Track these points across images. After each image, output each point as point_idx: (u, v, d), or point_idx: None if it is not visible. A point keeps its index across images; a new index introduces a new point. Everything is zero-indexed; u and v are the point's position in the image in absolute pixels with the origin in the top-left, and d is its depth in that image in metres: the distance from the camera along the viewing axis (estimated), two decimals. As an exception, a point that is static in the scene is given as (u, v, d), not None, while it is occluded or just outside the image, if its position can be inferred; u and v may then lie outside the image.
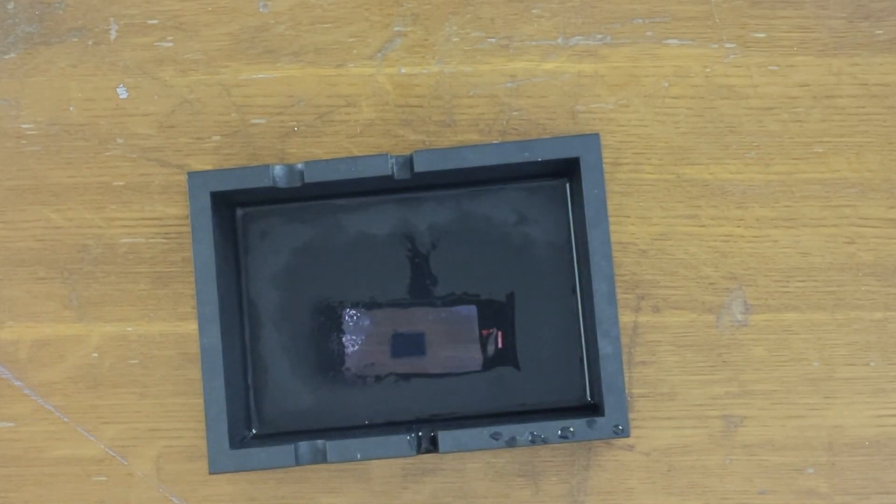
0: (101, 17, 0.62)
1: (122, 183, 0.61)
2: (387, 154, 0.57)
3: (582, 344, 0.59)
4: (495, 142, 0.60)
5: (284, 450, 0.55)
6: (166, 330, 0.60)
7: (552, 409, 0.59)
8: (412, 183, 0.58)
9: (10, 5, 0.62)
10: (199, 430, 0.60)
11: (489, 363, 0.60)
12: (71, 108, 0.61)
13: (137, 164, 0.61)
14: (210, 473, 0.55)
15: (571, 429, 0.56)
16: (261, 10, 0.62)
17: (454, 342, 0.60)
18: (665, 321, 0.60)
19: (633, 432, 0.60)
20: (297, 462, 0.55)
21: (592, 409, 0.59)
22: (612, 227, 0.60)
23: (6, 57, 0.62)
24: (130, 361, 0.60)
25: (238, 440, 0.57)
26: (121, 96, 0.61)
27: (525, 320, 0.60)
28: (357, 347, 0.60)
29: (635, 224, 0.60)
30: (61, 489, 0.60)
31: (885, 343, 0.60)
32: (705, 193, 0.61)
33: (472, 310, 0.60)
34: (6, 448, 0.60)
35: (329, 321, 0.60)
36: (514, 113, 0.61)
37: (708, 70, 0.61)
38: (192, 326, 0.60)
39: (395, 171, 0.57)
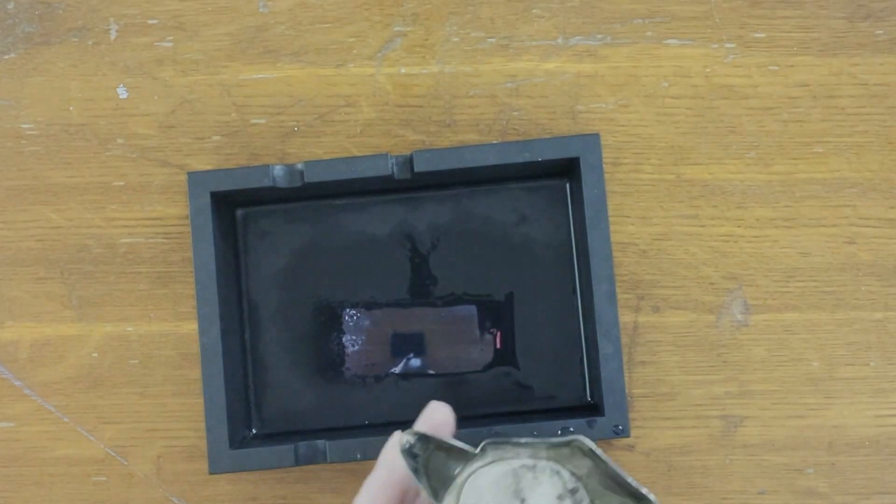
0: (101, 17, 0.62)
1: (122, 183, 0.61)
2: (387, 154, 0.57)
3: (582, 344, 0.59)
4: (495, 142, 0.60)
5: (284, 450, 0.55)
6: (166, 330, 0.60)
7: (552, 409, 0.59)
8: (412, 183, 0.58)
9: (10, 5, 0.62)
10: (199, 430, 0.60)
11: (489, 363, 0.60)
12: (71, 108, 0.61)
13: (137, 164, 0.61)
14: (210, 473, 0.55)
15: (571, 429, 0.56)
16: (261, 10, 0.62)
17: (454, 342, 0.60)
18: (665, 321, 0.60)
19: (633, 432, 0.60)
20: (297, 462, 0.55)
21: (592, 409, 0.59)
22: (612, 227, 0.60)
23: (6, 57, 0.62)
24: (130, 361, 0.60)
25: (238, 440, 0.57)
26: (121, 96, 0.61)
27: (525, 320, 0.60)
28: (357, 347, 0.60)
29: (635, 224, 0.60)
30: (61, 489, 0.60)
31: (885, 343, 0.60)
32: (705, 193, 0.61)
33: (472, 310, 0.60)
34: (6, 448, 0.60)
35: (329, 321, 0.60)
36: (514, 113, 0.61)
37: (708, 70, 0.61)
38: (192, 326, 0.60)
39: (395, 171, 0.57)
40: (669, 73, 0.61)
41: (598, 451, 0.46)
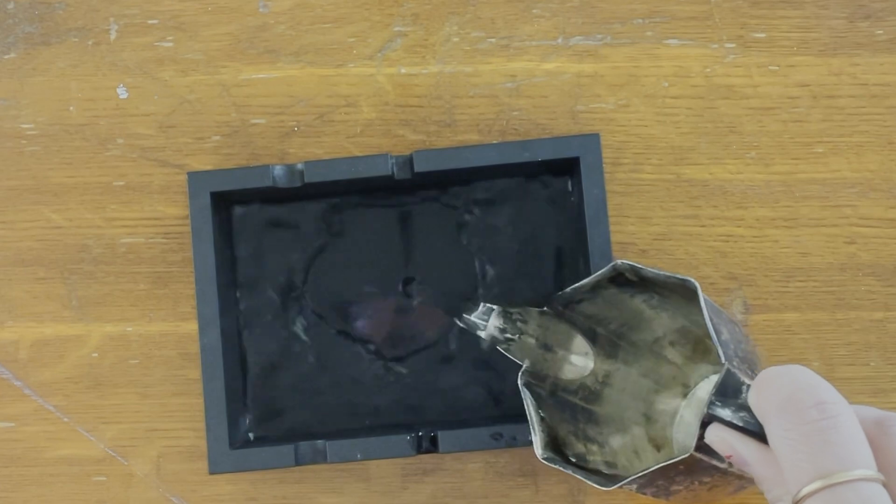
0: (101, 17, 0.62)
1: (122, 183, 0.61)
2: (387, 154, 0.57)
3: (582, 344, 0.59)
4: (495, 142, 0.60)
5: (284, 450, 0.55)
6: (166, 330, 0.60)
7: (552, 409, 0.59)
8: (412, 183, 0.58)
9: (10, 5, 0.62)
10: (199, 430, 0.60)
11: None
12: (71, 108, 0.61)
13: (137, 164, 0.61)
14: (210, 474, 0.55)
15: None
16: (261, 10, 0.62)
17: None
18: (665, 321, 0.60)
19: (633, 432, 0.60)
20: (297, 462, 0.55)
21: (592, 409, 0.59)
22: (612, 227, 0.60)
23: (6, 57, 0.62)
24: (130, 361, 0.60)
25: (238, 440, 0.57)
26: (121, 96, 0.61)
27: (525, 320, 0.60)
28: (358, 346, 0.60)
29: (635, 224, 0.60)
30: (61, 489, 0.60)
31: (885, 343, 0.60)
32: (705, 193, 0.61)
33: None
34: (6, 448, 0.60)
35: (328, 321, 0.60)
36: (514, 113, 0.61)
37: (708, 70, 0.61)
38: (192, 326, 0.60)
39: (395, 171, 0.57)
40: (669, 73, 0.61)
41: (637, 264, 0.51)
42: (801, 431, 0.37)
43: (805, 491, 0.36)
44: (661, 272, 0.50)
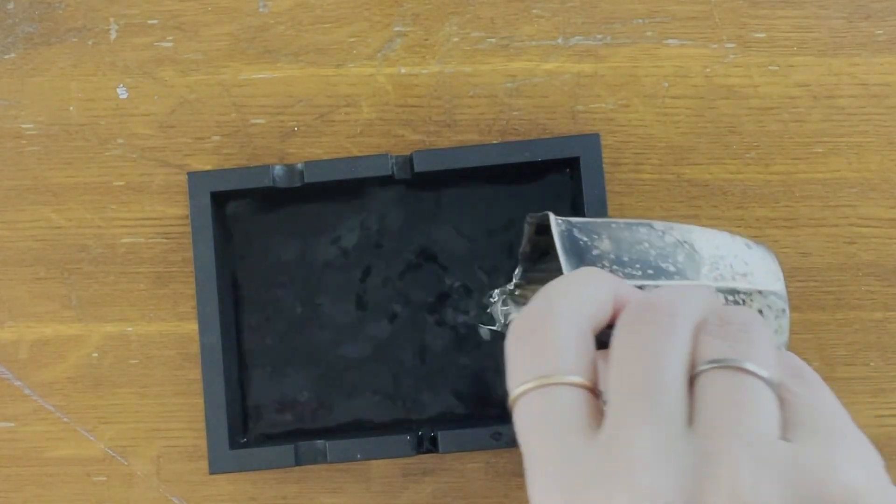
0: (101, 17, 0.62)
1: (122, 183, 0.61)
2: (387, 154, 0.57)
3: (582, 344, 0.59)
4: (495, 142, 0.60)
5: (284, 450, 0.55)
6: (166, 330, 0.60)
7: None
8: (412, 183, 0.58)
9: (10, 5, 0.62)
10: (199, 430, 0.60)
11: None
12: (71, 108, 0.61)
13: (137, 164, 0.61)
14: (210, 474, 0.55)
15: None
16: (261, 10, 0.62)
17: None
18: (665, 321, 0.60)
19: (633, 432, 0.59)
20: (297, 462, 0.55)
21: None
22: (612, 227, 0.60)
23: (6, 57, 0.62)
24: (130, 361, 0.60)
25: (238, 440, 0.57)
26: (121, 96, 0.61)
27: (525, 320, 0.60)
28: (357, 347, 0.60)
29: (635, 224, 0.60)
30: (61, 489, 0.60)
31: (885, 343, 0.60)
32: (705, 193, 0.61)
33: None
34: (6, 448, 0.60)
35: (329, 321, 0.60)
36: (514, 113, 0.61)
37: (708, 70, 0.61)
38: (192, 326, 0.60)
39: (395, 171, 0.57)
40: (669, 73, 0.61)
41: (540, 213, 0.51)
42: (514, 339, 0.37)
43: (514, 394, 0.36)
44: (541, 213, 0.51)
